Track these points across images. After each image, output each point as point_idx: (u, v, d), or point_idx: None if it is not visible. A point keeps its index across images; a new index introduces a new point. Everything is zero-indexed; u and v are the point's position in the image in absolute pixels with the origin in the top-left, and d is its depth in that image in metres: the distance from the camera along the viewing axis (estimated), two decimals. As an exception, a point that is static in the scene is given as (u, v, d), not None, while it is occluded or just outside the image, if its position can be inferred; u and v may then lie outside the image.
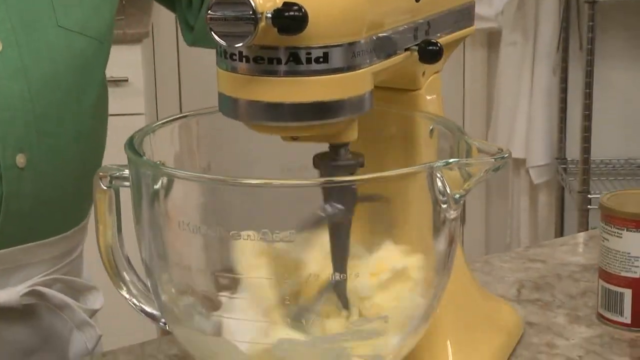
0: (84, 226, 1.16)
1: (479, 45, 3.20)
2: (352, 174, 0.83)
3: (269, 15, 0.73)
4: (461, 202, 0.81)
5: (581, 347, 1.02)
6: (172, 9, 1.25)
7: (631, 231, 1.03)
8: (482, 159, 0.81)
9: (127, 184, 0.85)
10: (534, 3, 2.99)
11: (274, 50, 0.76)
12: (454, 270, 0.86)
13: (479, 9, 2.89)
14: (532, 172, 3.09)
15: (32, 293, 1.08)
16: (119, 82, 2.58)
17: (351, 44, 0.77)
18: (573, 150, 3.00)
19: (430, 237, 0.82)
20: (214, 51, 0.80)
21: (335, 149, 0.83)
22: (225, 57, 0.78)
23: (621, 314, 1.06)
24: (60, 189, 1.08)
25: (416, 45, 0.85)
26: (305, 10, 0.73)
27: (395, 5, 0.84)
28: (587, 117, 2.76)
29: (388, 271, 0.80)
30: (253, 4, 0.72)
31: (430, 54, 0.85)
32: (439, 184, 0.79)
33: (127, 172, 0.84)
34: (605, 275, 1.06)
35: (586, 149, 2.77)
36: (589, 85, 2.75)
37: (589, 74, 2.74)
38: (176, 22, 1.29)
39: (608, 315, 1.07)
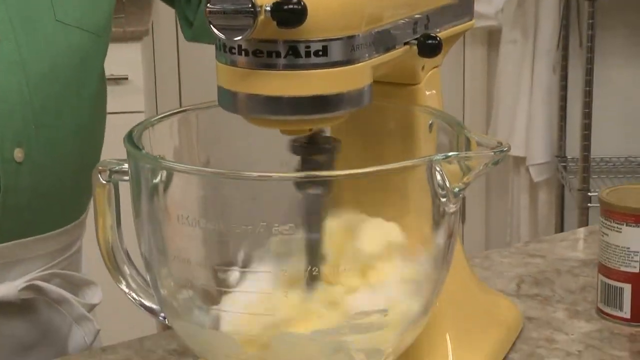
0: (83, 221, 1.16)
1: (479, 43, 3.20)
2: (331, 159, 0.83)
3: (268, 8, 0.73)
4: (460, 195, 0.81)
5: (580, 342, 1.02)
6: (171, 4, 1.25)
7: (631, 226, 1.03)
8: (481, 153, 0.81)
9: (126, 178, 0.85)
10: (533, 1, 2.99)
11: (273, 44, 0.76)
12: (454, 264, 0.86)
13: (479, 7, 2.90)
14: (532, 170, 3.09)
15: (30, 287, 1.09)
16: (119, 80, 2.58)
17: (350, 38, 0.77)
18: (573, 148, 3.00)
19: (430, 230, 0.82)
20: (214, 50, 0.79)
21: (312, 134, 0.83)
22: (225, 50, 0.78)
23: (620, 308, 1.06)
24: (59, 183, 1.08)
25: (415, 39, 0.85)
26: (304, 4, 0.73)
27: (395, -1, 0.84)
28: (587, 115, 2.76)
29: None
30: (252, -3, 0.72)
31: (430, 47, 0.84)
32: (438, 177, 0.79)
33: (126, 166, 0.84)
34: (605, 270, 1.06)
35: (586, 147, 2.76)
36: (589, 83, 2.75)
37: (589, 72, 2.74)
38: (176, 20, 1.29)
39: (607, 310, 1.07)
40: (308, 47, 0.76)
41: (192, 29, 1.23)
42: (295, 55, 0.76)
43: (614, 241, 1.04)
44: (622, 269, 1.04)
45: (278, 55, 0.76)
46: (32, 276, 1.09)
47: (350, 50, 0.77)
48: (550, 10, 2.99)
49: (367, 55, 0.79)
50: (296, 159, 0.86)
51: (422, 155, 0.87)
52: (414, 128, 0.91)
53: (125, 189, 0.86)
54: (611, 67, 3.05)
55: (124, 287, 0.89)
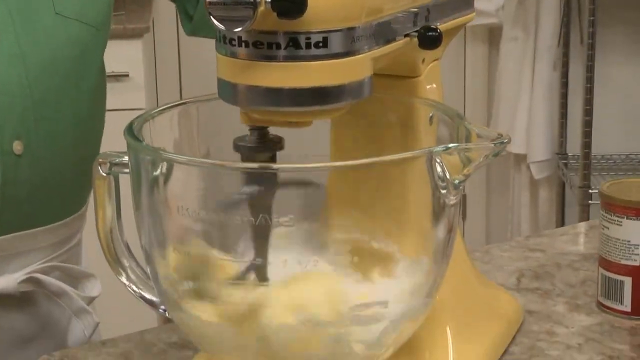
0: (83, 213, 1.16)
1: (480, 40, 3.20)
2: (271, 156, 0.83)
3: (269, -1, 0.73)
4: (461, 187, 0.81)
5: (581, 335, 1.02)
6: (172, -2, 1.26)
7: (631, 219, 1.03)
8: (481, 144, 0.81)
9: (126, 170, 0.85)
10: (534, -2, 3.00)
11: (273, 35, 0.75)
12: (454, 257, 0.86)
13: (480, 4, 2.90)
14: (533, 168, 3.09)
15: (29, 280, 1.09)
16: (119, 77, 2.58)
17: (350, 29, 0.77)
18: (574, 146, 3.00)
19: (430, 223, 0.82)
20: (214, 47, 0.79)
21: (255, 131, 0.83)
22: (225, 42, 0.78)
23: (621, 302, 1.05)
24: (58, 175, 1.08)
25: (416, 31, 0.85)
26: (304, -6, 0.73)
27: (395, -9, 0.84)
28: (588, 112, 2.76)
29: None
30: (252, -12, 0.72)
31: (430, 39, 0.84)
32: (439, 169, 0.79)
33: (126, 158, 0.84)
34: (605, 264, 1.06)
35: (587, 144, 2.76)
36: (589, 80, 2.74)
37: (590, 69, 2.74)
38: (177, 17, 1.29)
39: (608, 303, 1.07)
40: (308, 38, 0.75)
41: (192, 23, 1.23)
42: (296, 47, 0.76)
43: (615, 234, 1.04)
44: (623, 262, 1.04)
45: (278, 46, 0.76)
46: (32, 269, 1.09)
47: (351, 42, 0.77)
48: (551, 7, 2.99)
49: (367, 47, 0.79)
50: (295, 151, 0.86)
51: (422, 147, 0.87)
52: (415, 120, 0.91)
53: (125, 181, 0.86)
54: (612, 64, 3.04)
55: (124, 279, 0.89)
